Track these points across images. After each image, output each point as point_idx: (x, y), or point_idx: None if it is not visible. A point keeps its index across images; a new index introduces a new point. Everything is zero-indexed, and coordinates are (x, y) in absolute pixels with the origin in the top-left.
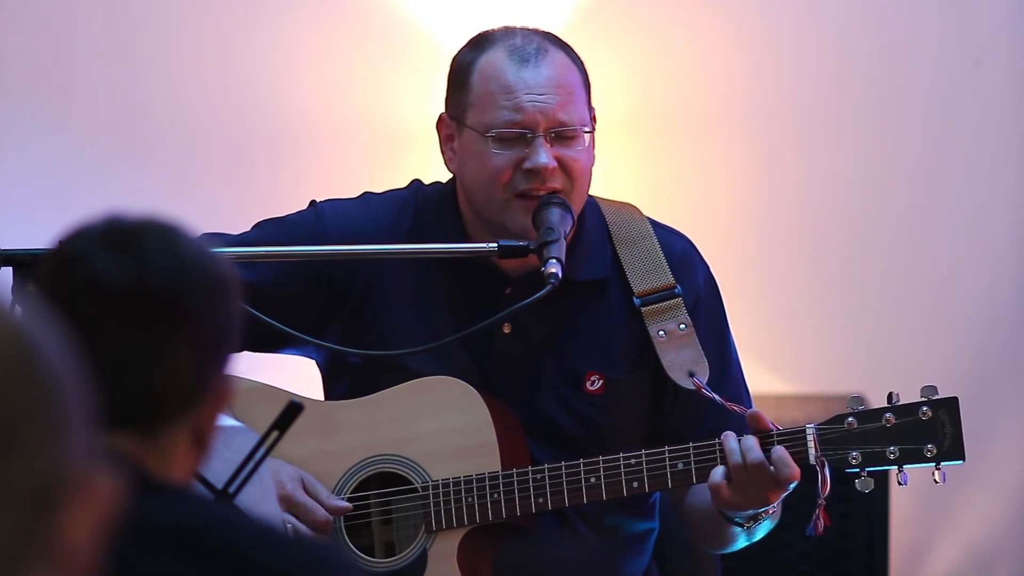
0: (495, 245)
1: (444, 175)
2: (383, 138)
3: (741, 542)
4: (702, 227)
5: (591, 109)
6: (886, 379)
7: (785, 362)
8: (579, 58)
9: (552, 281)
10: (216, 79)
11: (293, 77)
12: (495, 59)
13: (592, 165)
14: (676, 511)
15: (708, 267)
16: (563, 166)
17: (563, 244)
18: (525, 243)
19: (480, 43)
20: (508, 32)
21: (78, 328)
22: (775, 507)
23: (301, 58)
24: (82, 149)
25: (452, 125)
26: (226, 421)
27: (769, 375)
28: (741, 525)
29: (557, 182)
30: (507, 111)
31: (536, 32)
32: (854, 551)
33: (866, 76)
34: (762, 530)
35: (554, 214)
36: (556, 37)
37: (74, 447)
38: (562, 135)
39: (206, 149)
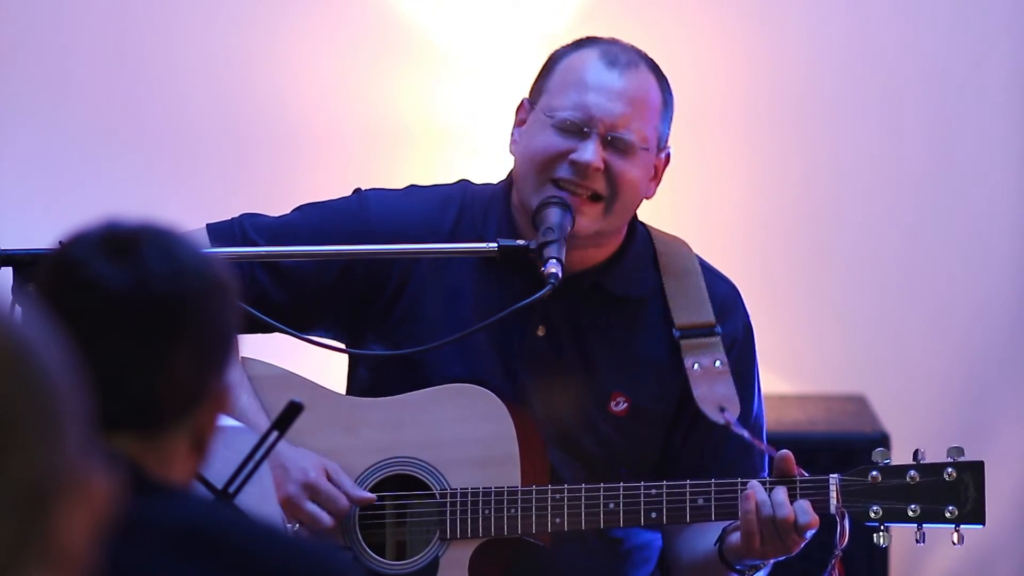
0: (495, 246)
1: (442, 178)
2: (382, 139)
3: None
4: (703, 227)
5: (664, 146)
6: (886, 379)
7: (786, 362)
8: (670, 90)
9: (552, 281)
10: (214, 79)
11: (292, 77)
12: (586, 56)
13: (646, 190)
14: (666, 553)
15: (748, 317)
16: (610, 172)
17: (563, 244)
18: (525, 243)
19: (581, 42)
20: (612, 41)
21: (78, 333)
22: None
23: (300, 57)
24: (80, 149)
25: (527, 109)
26: (226, 421)
27: (770, 375)
28: (742, 573)
29: (598, 184)
30: (573, 102)
31: (638, 52)
32: (854, 551)
33: (866, 76)
34: None
35: (554, 214)
36: (656, 65)
37: (70, 447)
38: (618, 144)
39: (204, 149)
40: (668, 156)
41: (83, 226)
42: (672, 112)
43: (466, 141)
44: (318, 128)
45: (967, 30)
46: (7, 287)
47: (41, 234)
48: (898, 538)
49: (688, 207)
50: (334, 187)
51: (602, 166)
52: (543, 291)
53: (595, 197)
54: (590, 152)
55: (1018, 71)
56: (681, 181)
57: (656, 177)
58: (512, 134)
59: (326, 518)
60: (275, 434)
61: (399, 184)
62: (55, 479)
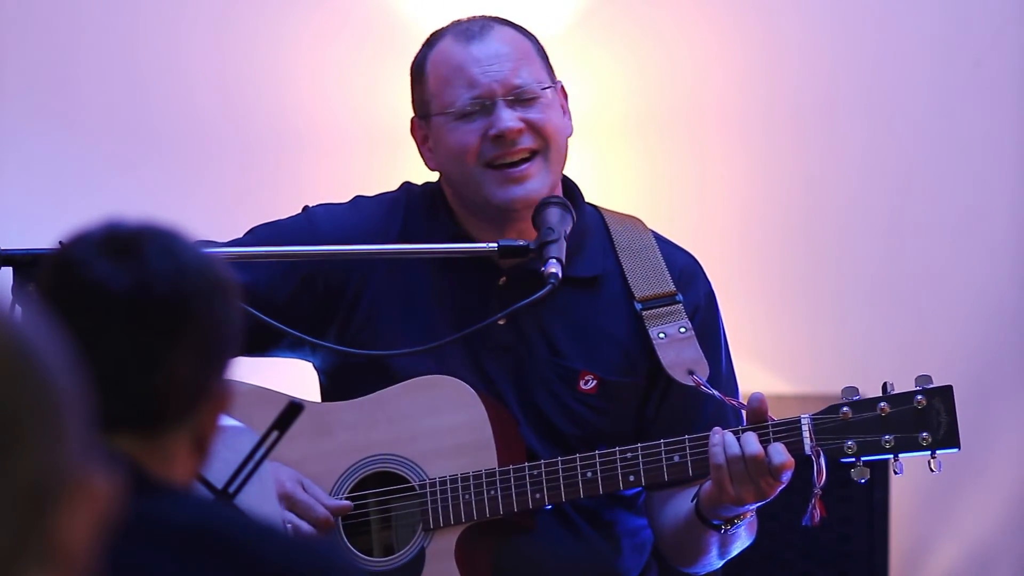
0: (495, 246)
1: None
2: (383, 139)
3: (714, 559)
4: (701, 227)
5: (555, 81)
6: (884, 379)
7: (783, 362)
8: (531, 33)
9: (552, 281)
10: (216, 80)
11: (293, 78)
12: (444, 47)
13: (566, 130)
14: (652, 530)
15: (710, 284)
16: (532, 127)
17: (563, 244)
18: (525, 243)
19: (431, 39)
20: (456, 22)
21: (79, 333)
22: (751, 516)
23: (301, 59)
24: (82, 150)
25: (423, 124)
26: (227, 422)
27: (768, 375)
28: (718, 528)
29: (529, 142)
30: (462, 87)
31: (483, 16)
32: (854, 551)
33: (865, 77)
34: (737, 546)
35: (554, 214)
36: (506, 19)
37: (72, 447)
38: (521, 98)
39: (206, 150)
40: (563, 88)
41: (84, 226)
42: (543, 48)
43: None
44: (321, 129)
45: (967, 30)
46: (7, 287)
47: (41, 235)
48: (899, 538)
49: (685, 208)
50: (336, 187)
51: (522, 125)
52: (543, 291)
53: (532, 154)
54: (504, 119)
55: (1018, 71)
56: (678, 181)
57: (566, 111)
58: (422, 156)
59: (305, 527)
60: (275, 434)
61: (398, 183)
62: (56, 479)
